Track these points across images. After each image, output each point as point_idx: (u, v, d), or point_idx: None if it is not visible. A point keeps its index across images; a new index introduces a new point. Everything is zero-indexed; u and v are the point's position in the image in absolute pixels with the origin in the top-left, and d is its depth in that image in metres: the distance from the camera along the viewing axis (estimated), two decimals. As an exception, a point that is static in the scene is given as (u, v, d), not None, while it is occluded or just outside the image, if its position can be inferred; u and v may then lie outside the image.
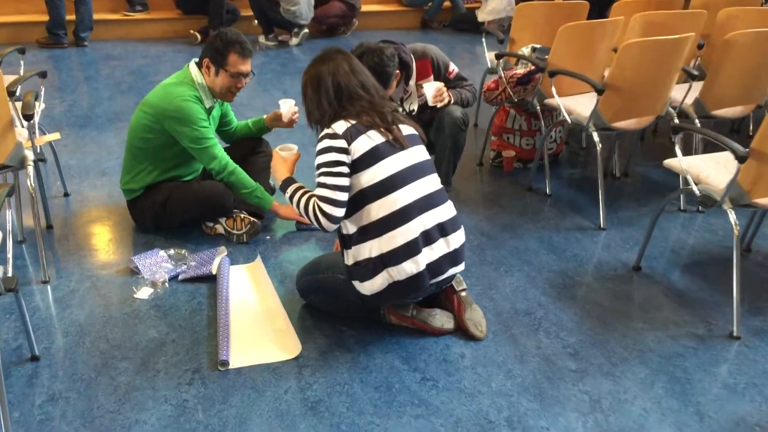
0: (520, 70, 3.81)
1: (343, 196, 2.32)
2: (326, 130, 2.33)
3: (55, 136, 3.27)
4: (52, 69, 6.11)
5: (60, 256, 3.07)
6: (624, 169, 4.05)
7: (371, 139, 2.32)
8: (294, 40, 7.21)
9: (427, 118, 3.47)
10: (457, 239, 2.43)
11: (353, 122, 2.33)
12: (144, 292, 2.80)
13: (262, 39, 7.23)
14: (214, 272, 2.88)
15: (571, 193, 3.81)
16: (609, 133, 3.52)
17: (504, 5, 7.65)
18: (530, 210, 3.62)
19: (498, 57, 3.79)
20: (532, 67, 3.75)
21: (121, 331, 2.56)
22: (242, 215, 3.20)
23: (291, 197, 2.48)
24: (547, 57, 3.69)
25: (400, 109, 3.38)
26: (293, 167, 2.64)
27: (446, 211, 2.43)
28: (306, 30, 7.24)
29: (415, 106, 3.38)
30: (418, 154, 2.43)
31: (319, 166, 2.34)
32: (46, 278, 2.88)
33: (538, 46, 3.93)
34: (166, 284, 2.86)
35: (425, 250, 2.34)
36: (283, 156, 2.66)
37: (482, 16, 7.72)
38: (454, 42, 7.66)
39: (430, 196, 2.39)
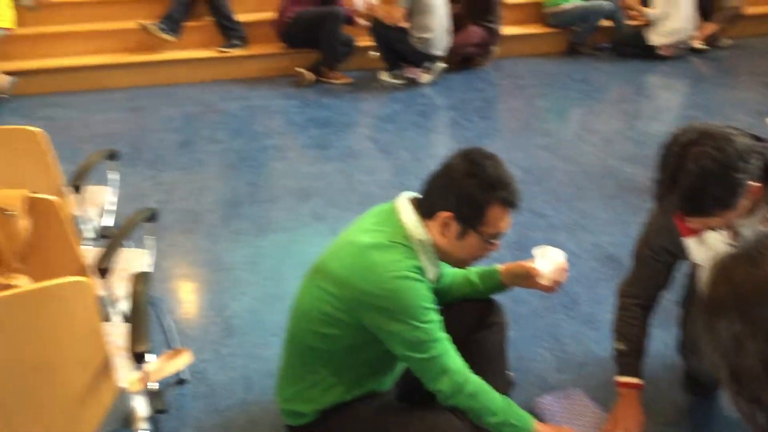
0: None
1: None
2: None
3: (183, 359, 1.93)
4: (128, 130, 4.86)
5: None
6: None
7: None
8: (426, 77, 5.90)
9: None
10: None
11: None
12: None
13: (384, 75, 5.93)
14: None
15: None
16: None
17: (684, 22, 6.13)
18: None
19: None
20: None
21: None
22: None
23: None
24: None
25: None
26: None
27: None
28: (442, 63, 5.86)
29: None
30: None
31: None
32: None
33: None
34: None
35: None
36: None
37: (656, 38, 6.21)
38: (619, 72, 6.14)
39: None
